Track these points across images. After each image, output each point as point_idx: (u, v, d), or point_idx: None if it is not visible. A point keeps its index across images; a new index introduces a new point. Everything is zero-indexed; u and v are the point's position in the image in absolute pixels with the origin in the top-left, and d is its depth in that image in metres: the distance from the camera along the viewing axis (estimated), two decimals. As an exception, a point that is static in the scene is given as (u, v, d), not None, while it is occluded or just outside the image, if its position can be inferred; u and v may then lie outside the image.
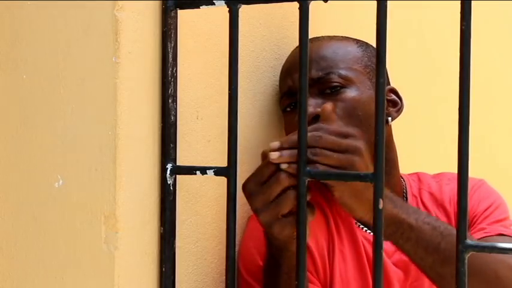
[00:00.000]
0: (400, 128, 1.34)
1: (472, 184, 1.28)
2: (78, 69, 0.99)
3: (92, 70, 0.98)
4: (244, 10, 0.95)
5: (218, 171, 0.96)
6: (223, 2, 0.94)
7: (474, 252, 0.82)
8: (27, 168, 1.03)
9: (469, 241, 0.82)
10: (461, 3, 0.82)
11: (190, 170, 1.01)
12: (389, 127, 1.27)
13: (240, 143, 0.98)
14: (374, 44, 0.88)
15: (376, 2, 0.85)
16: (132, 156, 0.98)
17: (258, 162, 0.99)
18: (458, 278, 0.82)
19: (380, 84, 0.85)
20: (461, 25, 0.82)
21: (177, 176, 1.02)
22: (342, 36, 1.29)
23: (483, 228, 1.23)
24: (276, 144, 0.96)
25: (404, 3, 1.73)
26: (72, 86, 0.99)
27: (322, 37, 1.28)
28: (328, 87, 1.21)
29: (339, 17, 1.51)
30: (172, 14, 1.01)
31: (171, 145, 1.01)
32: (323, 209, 1.23)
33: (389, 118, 1.25)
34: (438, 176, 1.36)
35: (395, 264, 1.24)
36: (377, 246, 0.86)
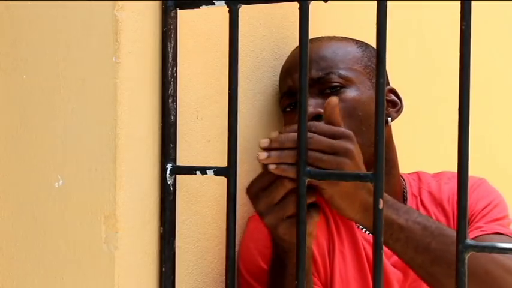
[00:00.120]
0: (400, 128, 1.34)
1: (471, 183, 1.28)
2: (78, 69, 0.99)
3: (92, 70, 0.98)
4: (244, 10, 0.95)
5: (218, 171, 0.96)
6: (223, 2, 0.94)
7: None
8: (27, 168, 1.03)
9: (469, 241, 0.82)
10: (461, 3, 0.82)
11: (190, 170, 1.01)
12: (389, 127, 1.27)
13: (240, 143, 0.98)
14: (374, 44, 0.88)
15: (376, 2, 0.85)
16: (132, 156, 0.98)
17: (257, 162, 0.99)
18: (458, 278, 0.82)
19: (380, 84, 0.85)
20: (461, 25, 0.82)
21: (177, 176, 1.02)
22: (341, 37, 1.29)
23: (480, 227, 1.23)
24: (265, 142, 0.96)
25: (404, 3, 1.73)
26: (72, 86, 0.99)
27: (322, 37, 1.29)
28: (328, 87, 1.21)
29: (339, 17, 1.51)
30: (172, 14, 1.01)
31: (171, 145, 1.01)
32: (323, 210, 1.23)
33: (389, 118, 1.25)
34: (438, 175, 1.36)
35: (394, 265, 1.24)
36: (377, 247, 0.86)
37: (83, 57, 0.99)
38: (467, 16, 0.81)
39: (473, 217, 1.26)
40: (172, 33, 1.01)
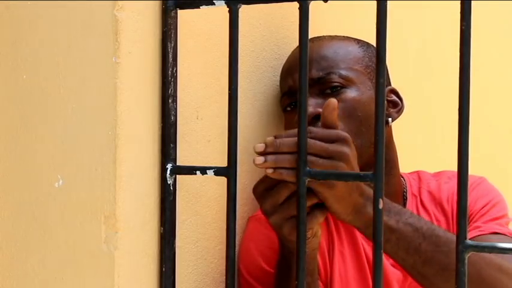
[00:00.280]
0: (400, 128, 1.34)
1: (471, 181, 1.28)
2: (78, 69, 0.99)
3: (92, 70, 0.98)
4: (244, 10, 0.95)
5: (218, 171, 0.96)
6: (223, 2, 0.94)
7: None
8: (27, 168, 1.03)
9: (469, 241, 0.82)
10: (461, 3, 0.82)
11: (190, 170, 1.01)
12: (390, 128, 1.27)
13: (240, 143, 0.98)
14: (374, 44, 0.88)
15: (376, 2, 0.85)
16: (132, 156, 0.98)
17: (257, 163, 0.99)
18: (458, 278, 0.82)
19: (380, 84, 0.85)
20: (461, 25, 0.82)
21: (177, 176, 1.02)
22: (343, 36, 1.29)
23: (478, 227, 1.23)
24: (260, 146, 0.96)
25: (404, 3, 1.72)
26: (72, 86, 0.99)
27: (323, 37, 1.28)
28: (328, 87, 1.21)
29: (339, 17, 1.51)
30: (172, 14, 1.01)
31: (171, 145, 1.01)
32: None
33: (390, 119, 1.25)
34: (438, 175, 1.36)
35: (394, 265, 1.23)
36: (377, 247, 0.86)
37: (83, 57, 0.99)
38: (467, 16, 0.81)
39: (472, 216, 1.26)
40: (172, 33, 1.01)
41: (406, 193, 1.32)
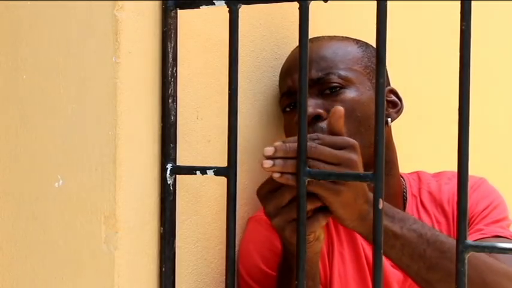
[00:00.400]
0: (400, 128, 1.34)
1: (471, 183, 1.28)
2: (78, 69, 0.99)
3: (92, 70, 0.98)
4: (244, 10, 0.95)
5: (218, 171, 0.96)
6: (223, 2, 0.94)
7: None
8: (27, 168, 1.03)
9: (469, 241, 0.82)
10: (461, 3, 0.82)
11: (190, 170, 1.01)
12: (389, 128, 1.26)
13: (240, 143, 0.98)
14: (374, 44, 0.88)
15: (376, 2, 0.85)
16: (132, 156, 0.98)
17: (258, 162, 0.99)
18: (458, 278, 0.82)
19: (380, 84, 0.85)
20: (461, 25, 0.82)
21: (177, 176, 1.02)
22: (342, 37, 1.29)
23: (480, 229, 1.22)
24: (269, 150, 0.95)
25: (404, 3, 1.73)
26: (72, 86, 0.99)
27: (323, 37, 1.28)
28: (327, 88, 1.21)
29: (339, 17, 1.51)
30: (172, 14, 1.01)
31: (171, 145, 1.01)
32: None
33: (389, 119, 1.25)
34: (438, 175, 1.36)
35: (393, 266, 1.23)
36: (377, 247, 0.86)
37: (83, 57, 0.99)
38: (467, 16, 0.81)
39: (473, 218, 1.26)
40: (172, 33, 1.01)
41: (406, 193, 1.32)
